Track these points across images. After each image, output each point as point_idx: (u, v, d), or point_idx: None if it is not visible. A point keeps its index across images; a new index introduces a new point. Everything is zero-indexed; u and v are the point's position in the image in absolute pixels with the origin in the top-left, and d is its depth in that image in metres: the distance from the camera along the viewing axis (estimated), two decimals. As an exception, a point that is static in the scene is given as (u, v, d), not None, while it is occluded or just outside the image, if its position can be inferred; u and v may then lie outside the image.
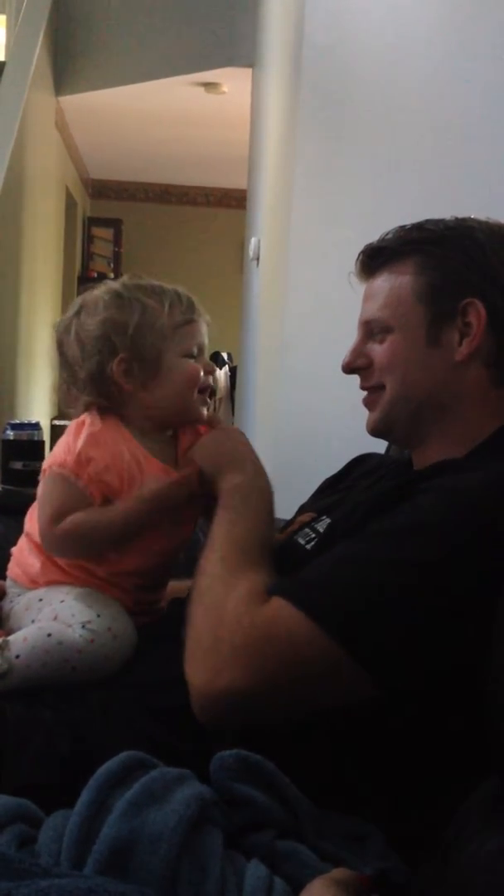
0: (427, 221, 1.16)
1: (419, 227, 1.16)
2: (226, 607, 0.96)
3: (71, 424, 1.18)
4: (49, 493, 1.14)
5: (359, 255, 1.19)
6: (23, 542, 1.22)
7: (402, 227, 1.17)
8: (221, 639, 0.93)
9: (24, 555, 1.20)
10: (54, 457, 1.16)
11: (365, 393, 1.19)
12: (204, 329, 1.22)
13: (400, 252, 1.14)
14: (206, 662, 0.94)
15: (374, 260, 1.17)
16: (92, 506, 1.13)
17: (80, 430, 1.15)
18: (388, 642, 0.90)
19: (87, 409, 1.18)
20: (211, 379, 1.22)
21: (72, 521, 1.12)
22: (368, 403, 1.18)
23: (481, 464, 1.04)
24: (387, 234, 1.18)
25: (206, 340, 1.22)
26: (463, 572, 0.91)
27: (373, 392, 1.17)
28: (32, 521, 1.20)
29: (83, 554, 1.15)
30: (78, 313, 1.19)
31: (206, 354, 1.24)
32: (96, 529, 1.13)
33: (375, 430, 1.18)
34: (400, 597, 0.91)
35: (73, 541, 1.13)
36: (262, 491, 1.14)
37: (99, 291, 1.20)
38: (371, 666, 0.90)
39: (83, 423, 1.16)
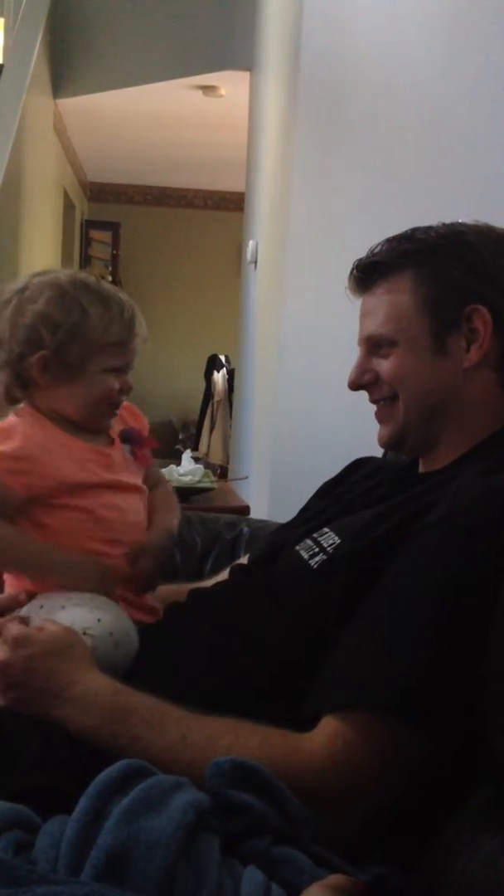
0: (416, 231, 1.16)
1: (409, 237, 1.15)
2: (289, 766, 0.87)
3: None
4: None
5: (351, 270, 1.18)
6: None
7: (392, 239, 1.16)
8: (318, 792, 0.87)
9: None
10: None
11: (372, 407, 1.18)
12: (136, 348, 1.21)
13: (395, 265, 1.14)
14: (334, 828, 0.86)
15: (368, 275, 1.16)
16: (13, 499, 1.14)
17: None
18: (450, 707, 0.88)
19: (6, 392, 1.20)
20: (124, 397, 1.22)
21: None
22: (381, 417, 1.17)
23: (473, 467, 1.03)
24: (375, 247, 1.17)
25: (134, 359, 1.22)
26: (485, 606, 0.89)
27: (385, 404, 1.16)
28: None
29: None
30: (22, 291, 1.19)
31: (131, 371, 1.23)
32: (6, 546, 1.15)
33: (389, 443, 1.18)
34: (445, 659, 0.89)
35: None
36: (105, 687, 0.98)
37: (46, 280, 1.19)
38: (440, 735, 0.89)
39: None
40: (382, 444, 1.19)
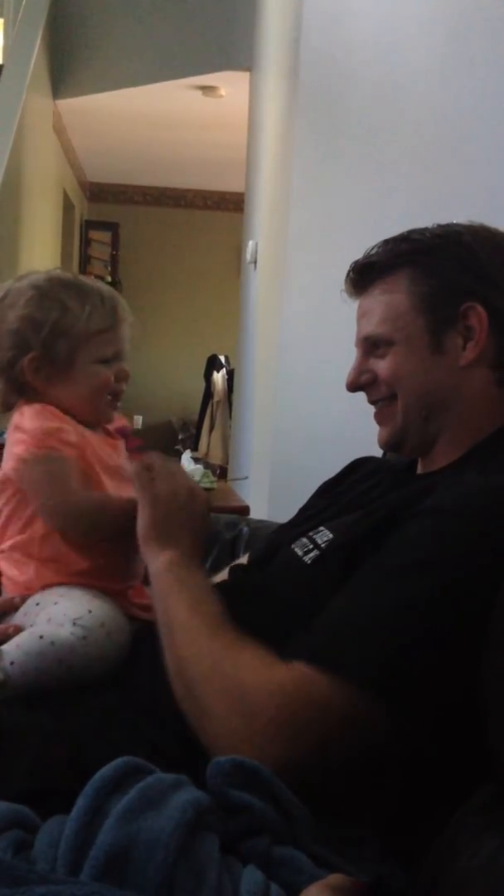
0: (412, 232, 1.16)
1: (405, 238, 1.16)
2: (245, 682, 0.92)
3: (10, 424, 1.21)
4: (47, 474, 1.15)
5: (348, 272, 1.19)
6: (6, 557, 1.21)
7: (388, 241, 1.17)
8: (254, 715, 0.89)
9: (13, 567, 1.20)
10: (18, 451, 1.16)
11: (369, 408, 1.19)
12: (124, 334, 1.23)
13: (390, 266, 1.15)
14: (242, 744, 0.89)
15: (364, 276, 1.17)
16: (78, 469, 1.16)
17: (24, 418, 1.17)
18: (418, 684, 0.89)
19: (3, 400, 1.22)
20: (123, 385, 1.24)
21: (88, 496, 1.15)
22: (380, 419, 1.18)
23: (472, 469, 1.04)
24: (372, 249, 1.18)
25: (125, 345, 1.23)
26: (469, 597, 0.90)
27: (384, 405, 1.17)
28: (8, 534, 1.20)
29: (90, 533, 1.17)
30: (2, 299, 1.21)
31: (125, 358, 1.25)
32: (103, 511, 1.17)
33: (389, 445, 1.18)
34: (420, 638, 0.90)
35: (88, 515, 1.16)
36: (197, 566, 1.10)
37: (24, 284, 1.21)
38: (403, 709, 0.88)
39: (21, 414, 1.19)
40: (382, 446, 1.20)
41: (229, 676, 0.93)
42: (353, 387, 1.18)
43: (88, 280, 1.24)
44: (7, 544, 1.20)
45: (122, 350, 1.22)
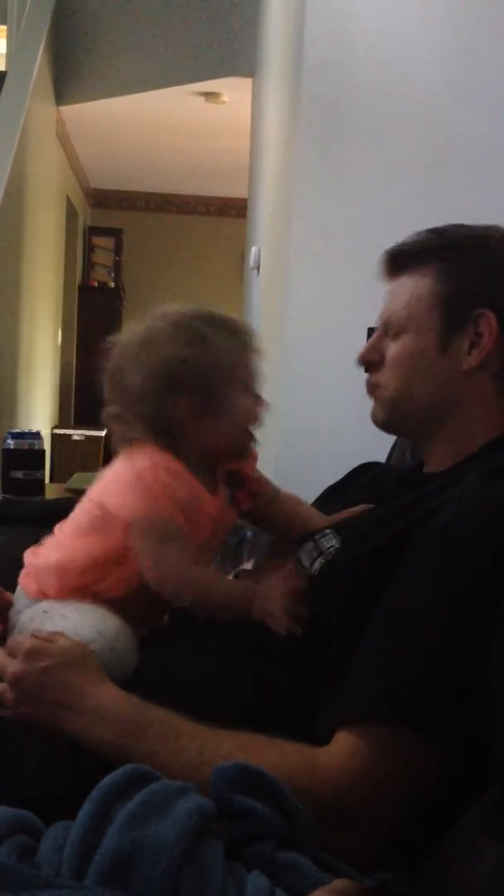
0: (451, 227, 1.17)
1: (441, 232, 1.17)
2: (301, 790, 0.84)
3: (129, 465, 1.13)
4: (158, 544, 1.10)
5: (384, 254, 1.20)
6: (50, 558, 1.19)
7: (427, 231, 1.18)
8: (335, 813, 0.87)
9: (45, 571, 1.17)
10: (127, 504, 1.11)
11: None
12: (258, 362, 1.19)
13: (420, 257, 1.16)
14: (351, 842, 0.87)
15: (395, 263, 1.19)
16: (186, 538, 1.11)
17: (146, 469, 1.11)
18: (463, 715, 0.88)
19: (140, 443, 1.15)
20: (263, 413, 1.19)
21: (199, 574, 1.11)
22: (370, 391, 1.20)
23: (474, 475, 1.04)
24: (411, 236, 1.19)
25: (259, 374, 1.19)
26: (485, 615, 0.89)
27: (372, 387, 1.19)
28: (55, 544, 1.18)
29: (186, 601, 1.13)
30: (148, 338, 1.15)
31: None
32: (209, 590, 1.12)
33: (381, 425, 1.21)
34: (462, 671, 0.89)
35: (191, 591, 1.12)
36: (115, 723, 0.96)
37: (162, 322, 1.16)
38: (456, 747, 0.88)
39: (145, 462, 1.12)
40: (374, 422, 1.20)
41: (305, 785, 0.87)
42: (362, 361, 1.20)
43: (219, 312, 1.20)
44: (61, 545, 1.18)
45: (259, 378, 1.19)
